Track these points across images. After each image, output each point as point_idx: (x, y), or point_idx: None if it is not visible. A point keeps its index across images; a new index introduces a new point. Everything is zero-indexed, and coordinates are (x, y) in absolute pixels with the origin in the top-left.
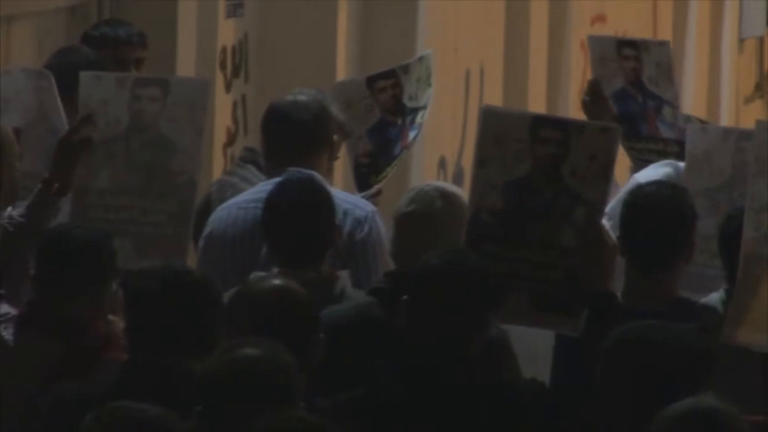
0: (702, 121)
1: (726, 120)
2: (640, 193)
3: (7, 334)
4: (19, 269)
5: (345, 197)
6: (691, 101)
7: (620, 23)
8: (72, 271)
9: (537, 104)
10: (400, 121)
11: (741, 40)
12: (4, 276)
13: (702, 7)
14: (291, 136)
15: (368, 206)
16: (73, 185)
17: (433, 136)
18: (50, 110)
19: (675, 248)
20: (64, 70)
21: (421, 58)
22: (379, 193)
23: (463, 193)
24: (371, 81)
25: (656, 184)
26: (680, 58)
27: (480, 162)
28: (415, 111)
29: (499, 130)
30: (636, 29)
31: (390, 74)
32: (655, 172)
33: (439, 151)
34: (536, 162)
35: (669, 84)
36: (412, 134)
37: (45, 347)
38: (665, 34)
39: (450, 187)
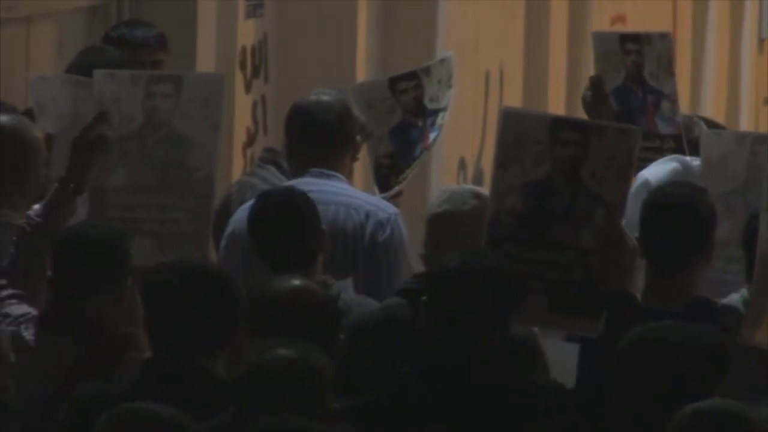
0: (706, 120)
1: (745, 120)
2: (660, 193)
3: (28, 334)
4: (37, 269)
5: (367, 199)
6: (711, 101)
7: (640, 23)
8: (87, 271)
9: (556, 105)
10: (420, 123)
11: (761, 41)
12: (23, 276)
13: (722, 7)
14: (314, 136)
15: (391, 208)
16: (88, 184)
17: (453, 136)
18: (86, 118)
19: (694, 249)
20: (86, 70)
21: (442, 60)
22: (399, 194)
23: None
24: (393, 82)
25: (676, 185)
26: (700, 58)
27: (500, 163)
28: (435, 113)
29: (518, 132)
30: (656, 28)
31: (412, 76)
32: (662, 167)
33: (459, 151)
34: (555, 163)
35: (669, 77)
36: (432, 135)
37: (64, 348)
38: (685, 34)
39: (482, 189)
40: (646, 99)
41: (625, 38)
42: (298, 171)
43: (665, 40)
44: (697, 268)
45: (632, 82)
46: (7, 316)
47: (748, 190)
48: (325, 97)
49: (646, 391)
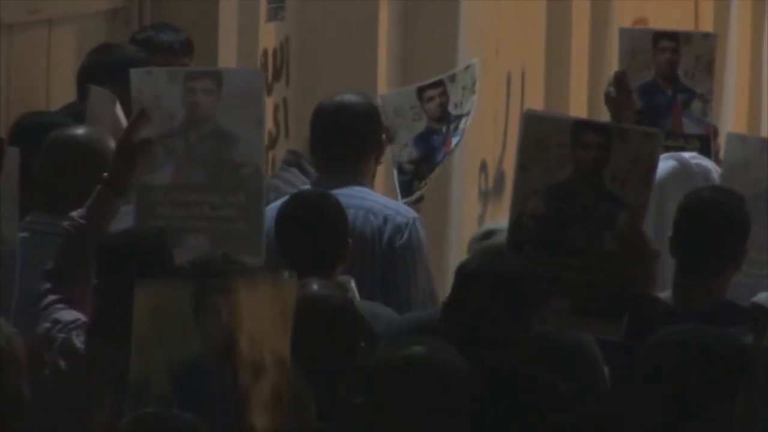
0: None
1: (767, 121)
2: (694, 197)
3: (78, 341)
4: (82, 271)
5: (387, 203)
6: (732, 103)
7: (662, 25)
8: (134, 277)
9: (578, 107)
10: (444, 129)
11: None
12: (67, 279)
13: (744, 8)
14: (338, 137)
15: (410, 213)
16: (132, 185)
17: (475, 139)
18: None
19: (724, 254)
20: (97, 69)
21: (467, 67)
22: (421, 199)
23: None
24: (421, 90)
25: (712, 189)
26: (722, 60)
27: (522, 166)
28: (459, 118)
29: (540, 135)
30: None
31: (438, 84)
32: (662, 164)
33: (481, 154)
34: (577, 166)
35: (707, 77)
36: (454, 140)
37: (115, 355)
38: None
39: None
40: (675, 98)
41: (660, 35)
42: (321, 172)
43: (708, 39)
44: (726, 273)
45: (663, 79)
46: (57, 322)
47: None
48: (351, 98)
49: (666, 393)
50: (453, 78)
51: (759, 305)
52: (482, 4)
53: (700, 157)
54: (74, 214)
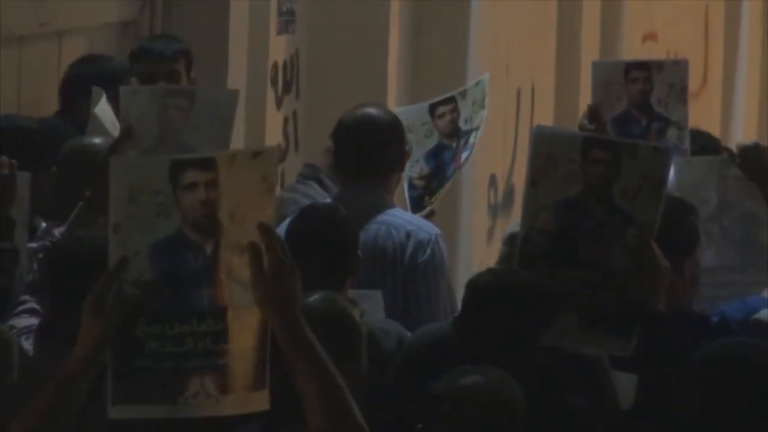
0: (713, 138)
1: None
2: None
3: (27, 344)
4: None
5: (409, 218)
6: (743, 115)
7: (672, 42)
8: (80, 280)
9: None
10: (454, 144)
11: None
12: (40, 295)
13: (753, 25)
14: (362, 151)
15: (432, 229)
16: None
17: (484, 154)
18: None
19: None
20: (79, 80)
21: (478, 83)
22: (432, 213)
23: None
24: (433, 107)
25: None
26: (732, 74)
27: (531, 182)
28: (468, 133)
29: (550, 151)
30: (687, 47)
31: (449, 100)
32: None
33: (490, 169)
34: (587, 182)
35: (680, 104)
36: (464, 155)
37: (62, 355)
38: (716, 52)
39: None
40: (649, 127)
41: (631, 66)
42: (344, 185)
43: (679, 67)
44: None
45: (636, 109)
46: (12, 327)
47: (723, 214)
48: (372, 111)
49: (723, 409)
50: (464, 94)
51: (761, 321)
52: (492, 19)
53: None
54: (56, 230)
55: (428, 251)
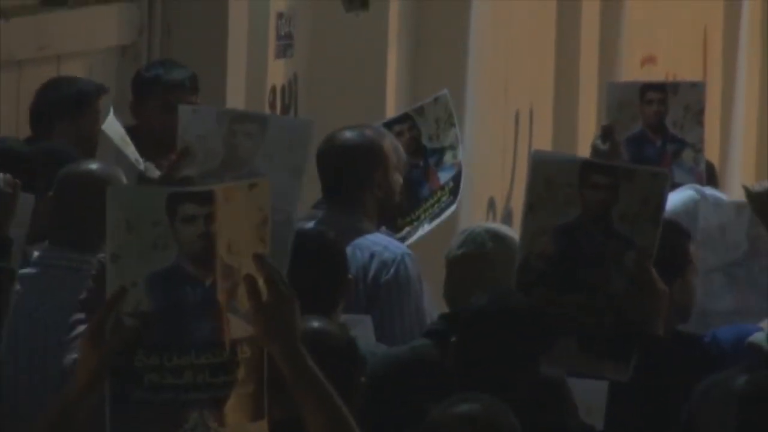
0: (711, 166)
1: None
2: None
3: None
4: None
5: (379, 240)
6: (741, 141)
7: (671, 64)
8: None
9: (586, 146)
10: (421, 163)
11: None
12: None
13: (752, 47)
14: (330, 173)
15: (399, 248)
16: None
17: (483, 177)
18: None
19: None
20: (45, 107)
21: (436, 99)
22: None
23: (514, 231)
24: (387, 126)
25: None
26: (730, 97)
27: (530, 207)
28: (440, 152)
29: (548, 175)
30: (686, 70)
31: (404, 118)
32: (677, 195)
33: (489, 192)
34: (586, 207)
35: (696, 126)
36: (443, 175)
37: None
38: (715, 74)
39: (501, 228)
40: (664, 148)
41: (647, 87)
42: (326, 209)
43: (696, 89)
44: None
45: (651, 131)
46: None
47: (751, 259)
48: (342, 134)
49: None
50: (420, 111)
51: (755, 345)
52: (491, 42)
53: (710, 188)
54: None
55: (392, 270)
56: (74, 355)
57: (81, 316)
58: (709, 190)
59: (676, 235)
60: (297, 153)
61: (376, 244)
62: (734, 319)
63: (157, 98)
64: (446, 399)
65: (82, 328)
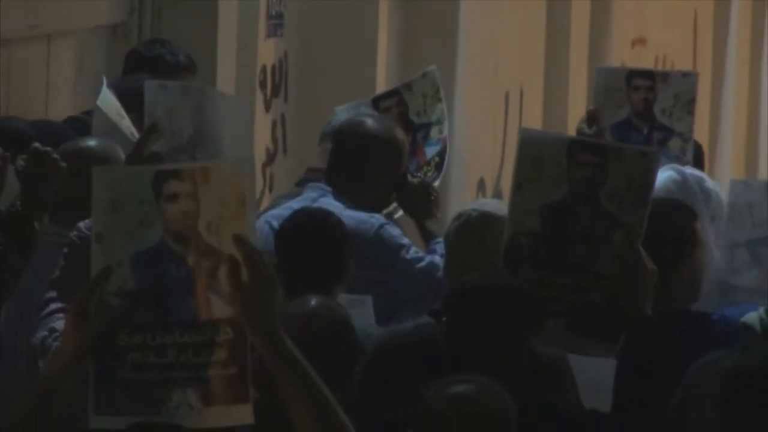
0: (700, 149)
1: (765, 144)
2: None
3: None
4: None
5: (352, 214)
6: (731, 122)
7: (661, 46)
8: None
9: (576, 126)
10: (409, 138)
11: None
12: (71, 289)
13: (742, 30)
14: (338, 150)
15: (372, 220)
16: None
17: (473, 157)
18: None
19: (667, 263)
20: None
21: (424, 75)
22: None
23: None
24: (376, 102)
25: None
26: (720, 80)
27: (517, 185)
28: (426, 126)
29: (536, 154)
30: (676, 52)
31: (393, 93)
32: (659, 176)
33: (479, 172)
34: (574, 186)
35: (686, 115)
36: (429, 151)
37: None
38: (705, 57)
39: (495, 209)
40: (651, 135)
41: (634, 74)
42: (303, 183)
43: (688, 79)
44: (679, 281)
45: (638, 117)
46: (53, 330)
47: None
48: (376, 126)
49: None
50: (409, 86)
51: (747, 325)
52: (481, 23)
53: (692, 168)
54: (81, 224)
55: (380, 227)
56: (44, 333)
57: (53, 294)
58: (690, 171)
59: (683, 215)
60: (245, 134)
61: (351, 218)
62: (755, 297)
63: (161, 78)
64: (441, 380)
65: (54, 306)
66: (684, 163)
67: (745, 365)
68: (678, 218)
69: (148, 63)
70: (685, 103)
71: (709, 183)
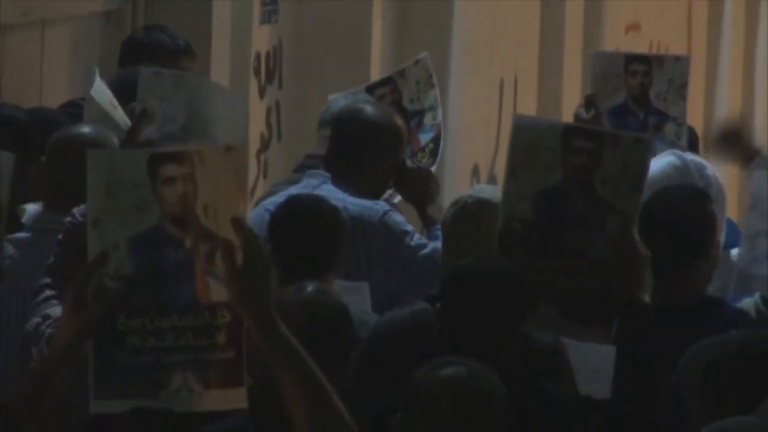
0: (695, 134)
1: (760, 126)
2: (652, 196)
3: None
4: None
5: (355, 201)
6: (725, 110)
7: (655, 32)
8: None
9: (571, 113)
10: None
11: None
12: (65, 275)
13: (737, 15)
14: (337, 137)
15: (376, 206)
16: None
17: (467, 143)
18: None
19: (687, 250)
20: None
21: (417, 61)
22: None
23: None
24: (370, 90)
25: (672, 188)
26: (714, 65)
27: (511, 171)
28: (420, 113)
29: (530, 140)
30: (670, 38)
31: (387, 81)
32: (658, 161)
33: (473, 158)
34: (568, 172)
35: (679, 100)
36: (423, 137)
37: None
38: (700, 42)
39: (491, 195)
40: (647, 121)
41: (632, 59)
42: (300, 169)
43: (680, 63)
44: (698, 269)
45: (635, 102)
46: (47, 317)
47: None
48: (376, 113)
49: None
50: (402, 73)
51: (742, 311)
52: (476, 10)
53: (693, 154)
54: (75, 210)
55: (383, 214)
56: (37, 319)
57: (47, 281)
58: (690, 156)
59: (703, 200)
60: (238, 125)
61: (355, 204)
62: None
63: (166, 65)
64: (430, 362)
65: (48, 293)
66: (679, 149)
67: (723, 350)
68: (699, 203)
69: (147, 49)
70: (677, 87)
71: (709, 170)
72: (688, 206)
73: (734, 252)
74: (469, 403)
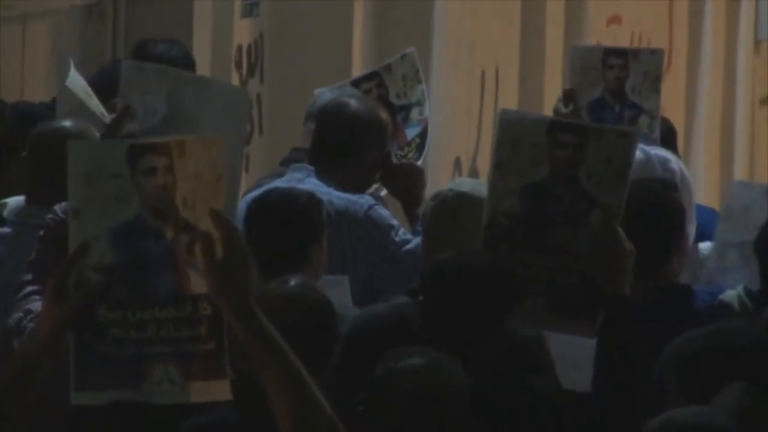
0: (666, 120)
1: (740, 122)
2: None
3: None
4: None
5: (341, 195)
6: (706, 103)
7: (636, 24)
8: None
9: (552, 105)
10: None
11: (757, 42)
12: (47, 271)
13: (718, 8)
14: (322, 130)
15: (362, 200)
16: None
17: (449, 136)
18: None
19: (656, 242)
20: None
21: (403, 56)
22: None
23: (483, 186)
24: (355, 84)
25: (639, 181)
26: (696, 59)
27: (497, 165)
28: (406, 108)
29: (516, 134)
30: (651, 30)
31: (373, 75)
32: None
33: (454, 152)
34: (553, 166)
35: (653, 93)
36: (410, 132)
37: None
38: (681, 35)
39: (471, 189)
40: (622, 114)
41: (609, 52)
42: (286, 163)
43: (655, 56)
44: (668, 261)
45: (612, 96)
46: (29, 312)
47: None
48: (360, 107)
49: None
50: (388, 68)
51: (725, 303)
52: (457, 3)
53: (658, 148)
54: (57, 207)
55: (368, 208)
56: (19, 314)
57: (29, 276)
58: (654, 151)
59: (672, 192)
60: (238, 118)
61: (340, 198)
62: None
63: None
64: (392, 353)
65: (29, 288)
66: (652, 141)
67: (701, 344)
68: (670, 195)
69: (155, 60)
70: (652, 80)
71: (674, 163)
72: (658, 198)
73: (703, 246)
74: (429, 395)
